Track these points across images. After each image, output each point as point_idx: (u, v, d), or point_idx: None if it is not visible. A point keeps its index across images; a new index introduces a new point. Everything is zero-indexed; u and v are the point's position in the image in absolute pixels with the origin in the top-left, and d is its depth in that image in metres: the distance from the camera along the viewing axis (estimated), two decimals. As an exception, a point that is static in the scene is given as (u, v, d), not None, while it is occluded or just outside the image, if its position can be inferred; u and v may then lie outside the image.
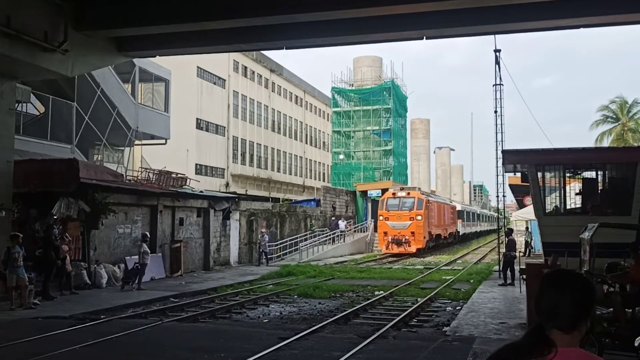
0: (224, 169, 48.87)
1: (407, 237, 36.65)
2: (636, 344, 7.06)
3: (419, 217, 37.24)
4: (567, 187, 17.07)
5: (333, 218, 40.85)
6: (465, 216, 57.59)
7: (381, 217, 38.39)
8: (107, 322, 12.43)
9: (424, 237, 37.85)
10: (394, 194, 39.29)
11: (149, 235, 19.82)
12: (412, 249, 36.55)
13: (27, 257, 14.92)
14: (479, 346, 9.82)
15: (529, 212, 29.10)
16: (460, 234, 53.31)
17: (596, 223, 10.34)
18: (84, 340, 10.16)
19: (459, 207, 54.98)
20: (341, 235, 38.93)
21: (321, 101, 70.36)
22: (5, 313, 13.44)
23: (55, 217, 17.81)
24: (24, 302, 14.17)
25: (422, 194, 40.82)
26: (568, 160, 16.73)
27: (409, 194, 39.05)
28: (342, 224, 39.40)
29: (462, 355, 9.13)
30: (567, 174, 17.09)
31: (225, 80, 49.18)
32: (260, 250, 29.11)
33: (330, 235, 37.33)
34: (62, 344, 9.77)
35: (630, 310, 8.37)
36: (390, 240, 36.99)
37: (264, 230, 30.29)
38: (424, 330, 12.34)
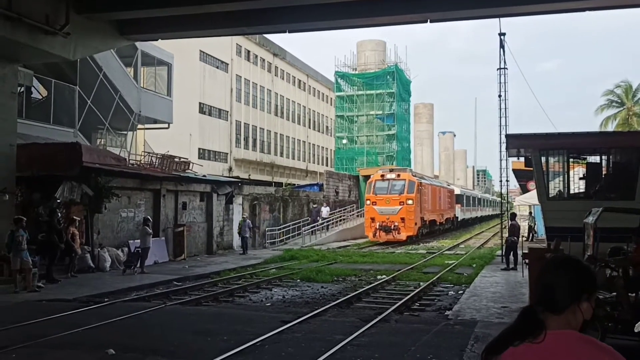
0: (227, 154, 48.85)
1: (396, 224, 33.29)
2: (636, 330, 7.06)
3: (410, 202, 33.85)
4: (571, 172, 17.01)
5: (314, 206, 37.13)
6: (464, 200, 54.67)
7: (368, 202, 34.99)
8: (110, 305, 12.49)
9: (415, 224, 34.40)
10: (382, 175, 35.76)
11: (150, 219, 19.85)
12: (402, 236, 33.32)
13: (30, 241, 14.98)
14: (480, 330, 9.84)
15: (532, 196, 29.06)
16: (459, 220, 50.42)
17: (600, 208, 10.30)
18: (88, 322, 10.21)
19: (457, 191, 51.68)
20: (323, 225, 35.13)
21: (324, 85, 70.08)
22: (10, 296, 13.53)
23: (58, 200, 17.85)
24: (28, 285, 14.24)
25: (414, 175, 37.28)
26: (572, 145, 16.65)
27: (399, 175, 35.41)
28: (324, 210, 36.55)
29: (463, 339, 9.15)
30: (571, 159, 17.01)
31: (228, 64, 48.97)
32: (240, 236, 26.69)
33: (309, 228, 33.55)
34: (67, 326, 9.84)
35: (633, 294, 8.37)
36: (377, 227, 33.73)
37: (245, 215, 28.14)
38: (426, 314, 12.37)
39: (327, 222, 36.07)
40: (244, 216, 27.77)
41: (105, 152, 22.30)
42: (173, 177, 23.56)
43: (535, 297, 2.03)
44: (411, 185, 34.55)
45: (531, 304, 2.02)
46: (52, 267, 16.02)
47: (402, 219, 33.51)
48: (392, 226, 33.36)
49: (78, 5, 16.66)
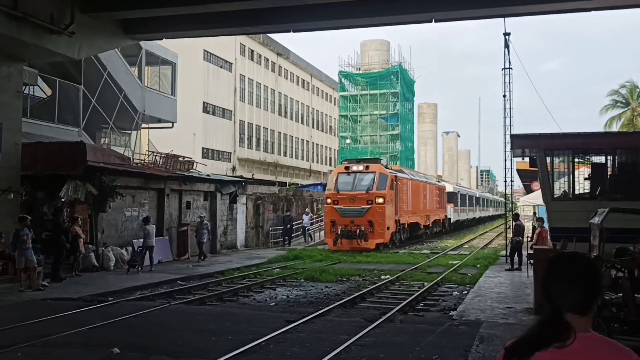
0: (230, 153, 48.90)
1: (362, 228, 26.36)
2: None
3: (380, 200, 26.75)
4: (576, 172, 16.95)
5: (287, 213, 31.86)
6: (458, 200, 47.86)
7: (329, 200, 27.64)
8: (115, 304, 12.50)
9: (388, 228, 27.34)
10: (347, 167, 28.57)
11: (150, 219, 19.85)
12: (370, 244, 26.43)
13: (35, 240, 15.01)
14: (485, 330, 9.81)
15: (536, 197, 28.99)
16: (452, 222, 44.30)
17: (605, 208, 10.25)
18: (92, 321, 10.23)
19: (449, 188, 44.82)
20: (303, 233, 32.22)
21: (328, 85, 70.09)
22: (14, 294, 13.55)
23: (63, 199, 17.88)
24: (33, 283, 14.27)
25: (387, 168, 29.95)
26: (577, 145, 16.57)
27: (367, 167, 27.98)
28: (306, 217, 32.56)
29: (468, 339, 9.12)
30: (576, 159, 16.94)
31: (232, 63, 49.01)
32: (197, 241, 22.70)
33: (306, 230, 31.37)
34: (71, 325, 9.84)
35: (639, 295, 8.33)
36: (339, 233, 26.75)
37: (203, 215, 24.01)
38: (430, 315, 12.34)
39: (307, 232, 32.88)
40: (201, 216, 23.58)
41: (110, 152, 22.33)
42: (177, 176, 23.58)
43: (557, 298, 1.94)
44: (382, 179, 27.41)
45: (554, 306, 1.93)
46: (57, 266, 16.04)
47: (370, 222, 26.56)
48: (358, 231, 26.41)
49: (83, 4, 16.70)
